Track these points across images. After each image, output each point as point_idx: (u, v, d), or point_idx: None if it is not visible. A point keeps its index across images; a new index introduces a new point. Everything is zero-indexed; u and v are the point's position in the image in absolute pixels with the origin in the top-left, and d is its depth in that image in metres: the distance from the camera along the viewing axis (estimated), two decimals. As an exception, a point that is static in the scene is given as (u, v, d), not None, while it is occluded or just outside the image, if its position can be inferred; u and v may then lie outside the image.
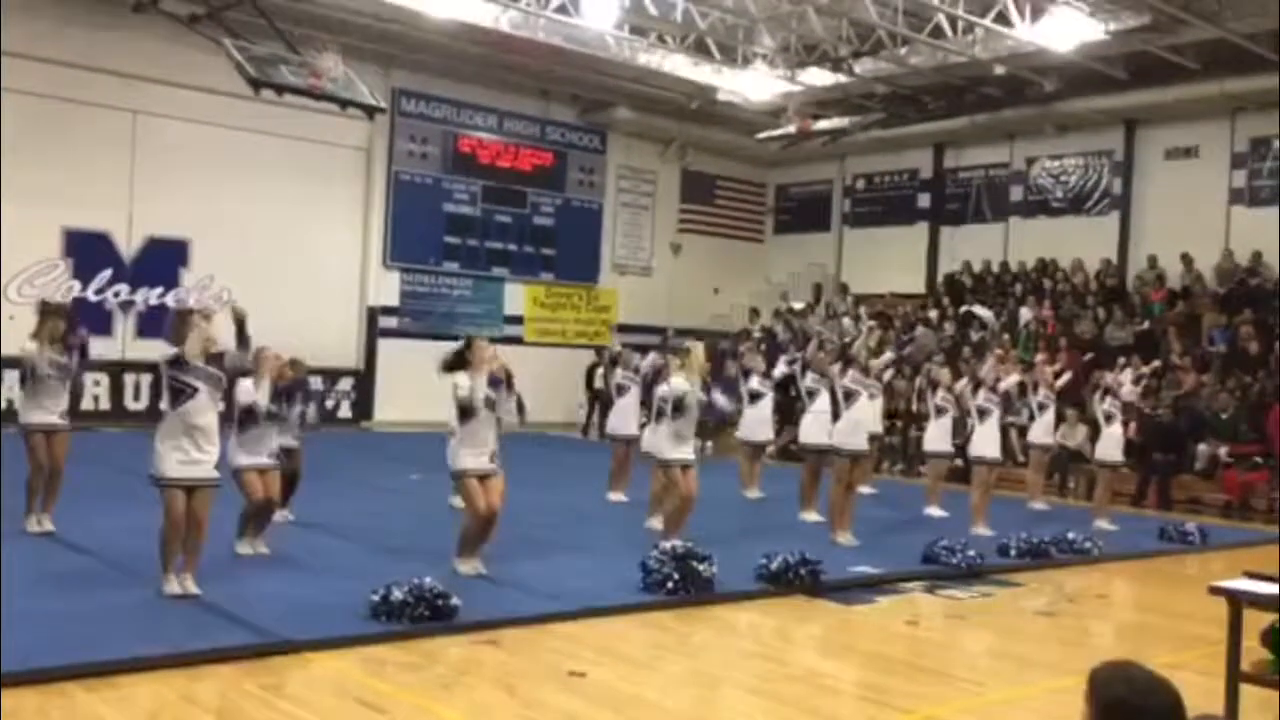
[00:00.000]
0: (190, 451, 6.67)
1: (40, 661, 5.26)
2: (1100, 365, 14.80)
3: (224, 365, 7.00)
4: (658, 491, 10.12)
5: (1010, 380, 12.23)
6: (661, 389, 9.35)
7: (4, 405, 15.37)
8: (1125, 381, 12.80)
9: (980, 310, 19.89)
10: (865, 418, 10.37)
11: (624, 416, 11.87)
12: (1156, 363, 15.06)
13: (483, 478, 7.73)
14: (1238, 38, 15.74)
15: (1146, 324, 17.87)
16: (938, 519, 11.67)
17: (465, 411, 7.68)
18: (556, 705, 5.31)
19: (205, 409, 6.75)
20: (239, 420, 7.91)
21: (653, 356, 12.53)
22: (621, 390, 11.95)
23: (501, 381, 7.79)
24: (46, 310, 8.92)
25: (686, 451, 9.01)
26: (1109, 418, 12.30)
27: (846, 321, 21.19)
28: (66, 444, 8.66)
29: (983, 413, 11.50)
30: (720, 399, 9.76)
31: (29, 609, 6.20)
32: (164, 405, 6.84)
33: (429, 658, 5.98)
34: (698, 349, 9.41)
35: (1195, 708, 2.51)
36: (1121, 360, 13.86)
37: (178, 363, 6.75)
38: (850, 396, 10.10)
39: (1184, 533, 11.50)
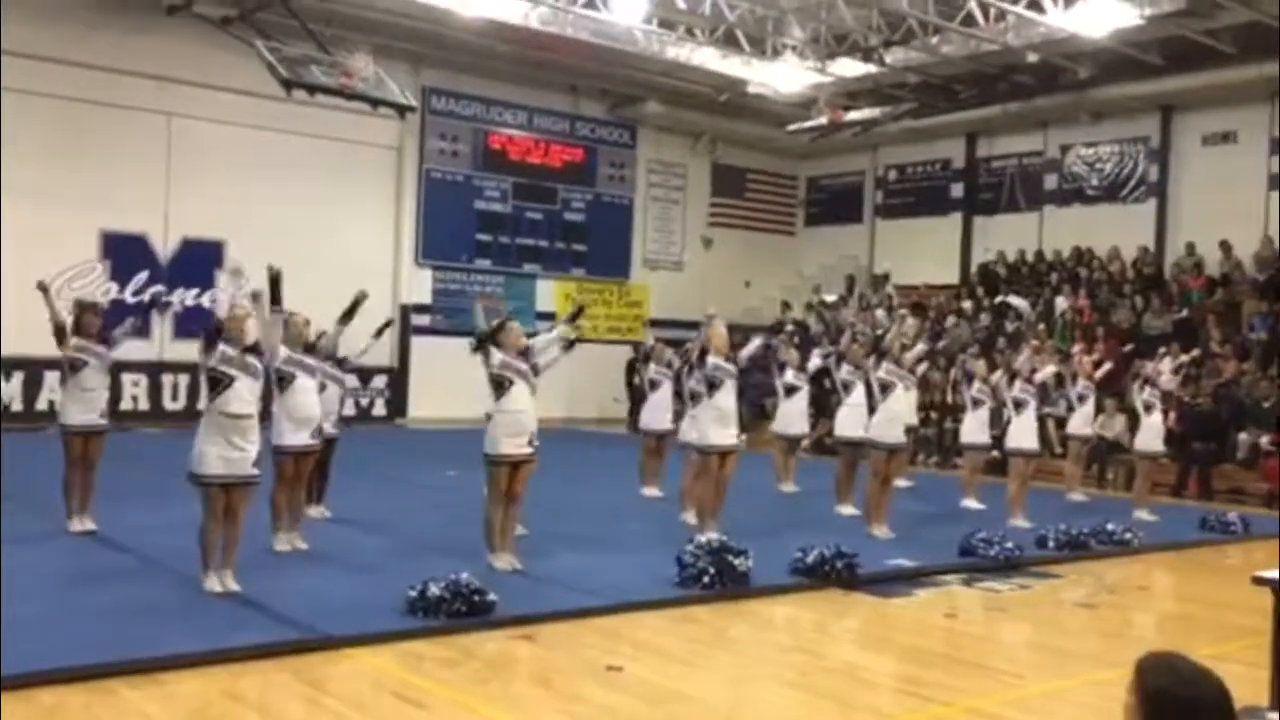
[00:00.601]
0: (228, 449, 6.71)
1: (85, 659, 5.32)
2: (1139, 355, 14.64)
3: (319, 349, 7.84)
4: (689, 485, 10.11)
5: (1046, 371, 12.13)
6: (694, 376, 9.38)
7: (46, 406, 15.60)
8: (1165, 370, 12.66)
9: (1016, 300, 19.72)
10: (901, 410, 10.31)
11: (656, 411, 11.87)
12: (1196, 351, 14.89)
13: (516, 465, 7.74)
14: (1275, 21, 15.49)
15: (1185, 312, 17.66)
16: (974, 511, 11.59)
17: (499, 385, 7.69)
18: (594, 699, 5.32)
19: (243, 400, 6.76)
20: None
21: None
22: (654, 385, 11.95)
23: (530, 348, 7.83)
24: (83, 308, 9.04)
25: (729, 436, 8.96)
26: (1148, 407, 12.17)
27: (880, 313, 21.07)
28: (104, 444, 8.76)
29: (1019, 404, 11.41)
30: (744, 353, 9.65)
31: (73, 607, 6.30)
32: (202, 403, 6.89)
33: (466, 653, 6.00)
34: (718, 324, 9.39)
35: (1240, 699, 2.48)
36: (1161, 350, 13.71)
37: (211, 346, 6.75)
38: (886, 389, 10.04)
39: (1226, 523, 11.36)
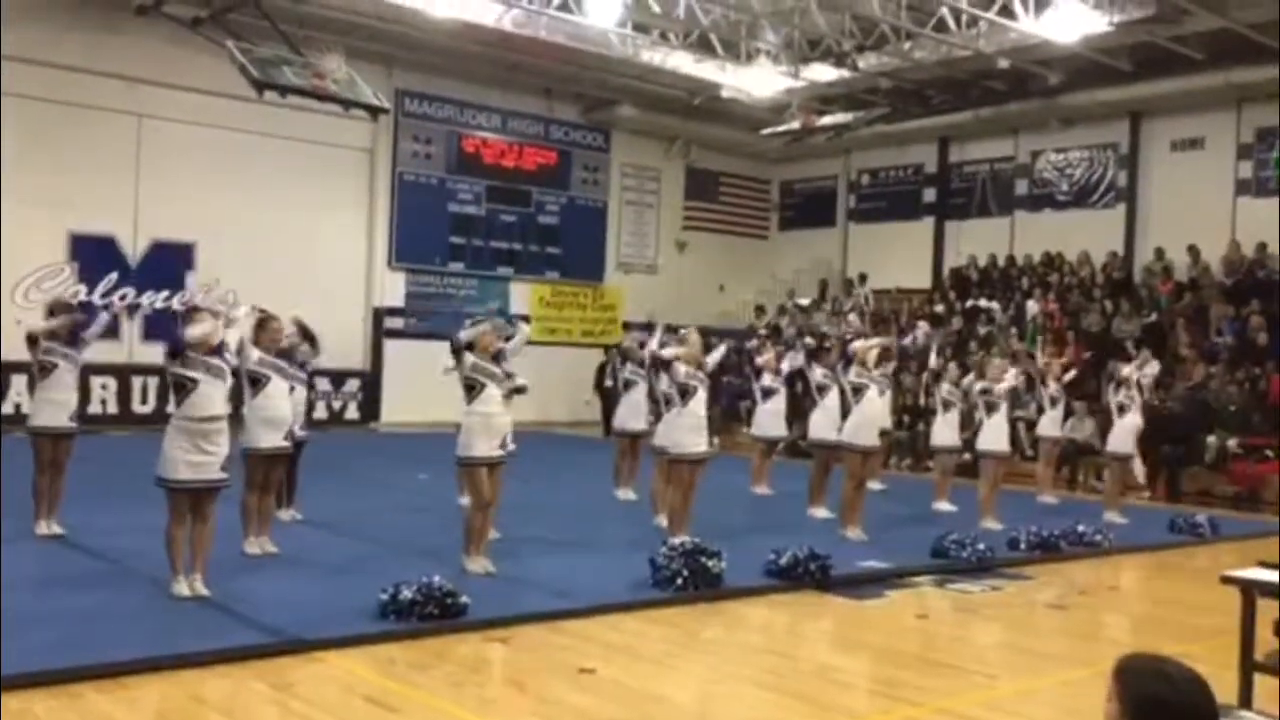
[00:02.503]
0: (195, 453, 6.64)
1: (51, 663, 5.26)
2: (1108, 358, 14.74)
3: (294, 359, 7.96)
4: (659, 488, 10.10)
5: (1005, 383, 11.90)
6: (664, 379, 9.35)
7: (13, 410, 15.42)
8: (1150, 373, 12.73)
9: (987, 303, 19.86)
10: (875, 413, 10.34)
11: (632, 411, 11.81)
12: (1157, 366, 14.63)
13: (491, 466, 7.72)
14: (1242, 28, 15.69)
15: (1154, 316, 17.82)
16: (947, 513, 11.64)
17: (470, 388, 7.68)
18: (567, 702, 5.30)
19: (211, 402, 6.68)
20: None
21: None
22: (629, 385, 11.91)
23: (502, 351, 7.81)
24: (57, 308, 8.95)
25: (701, 444, 8.94)
26: (1122, 409, 12.24)
27: (853, 317, 21.16)
28: (72, 447, 8.66)
29: (990, 407, 11.47)
30: (711, 358, 9.63)
31: (40, 611, 6.22)
32: (170, 406, 6.83)
33: (439, 656, 5.97)
34: (693, 333, 9.38)
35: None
36: (1145, 352, 13.70)
37: (176, 355, 6.71)
38: (859, 391, 10.07)
39: (1194, 524, 11.45)
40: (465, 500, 8.42)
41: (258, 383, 7.96)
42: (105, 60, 17.24)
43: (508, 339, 8.00)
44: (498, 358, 7.79)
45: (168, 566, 6.74)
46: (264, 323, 8.14)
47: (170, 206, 18.01)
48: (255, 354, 7.84)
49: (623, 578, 7.71)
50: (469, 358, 7.70)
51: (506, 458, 7.84)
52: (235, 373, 7.21)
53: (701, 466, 9.05)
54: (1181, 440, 14.93)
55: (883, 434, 11.95)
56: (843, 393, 10.34)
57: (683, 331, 9.65)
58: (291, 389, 8.37)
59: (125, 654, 5.48)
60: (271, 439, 8.00)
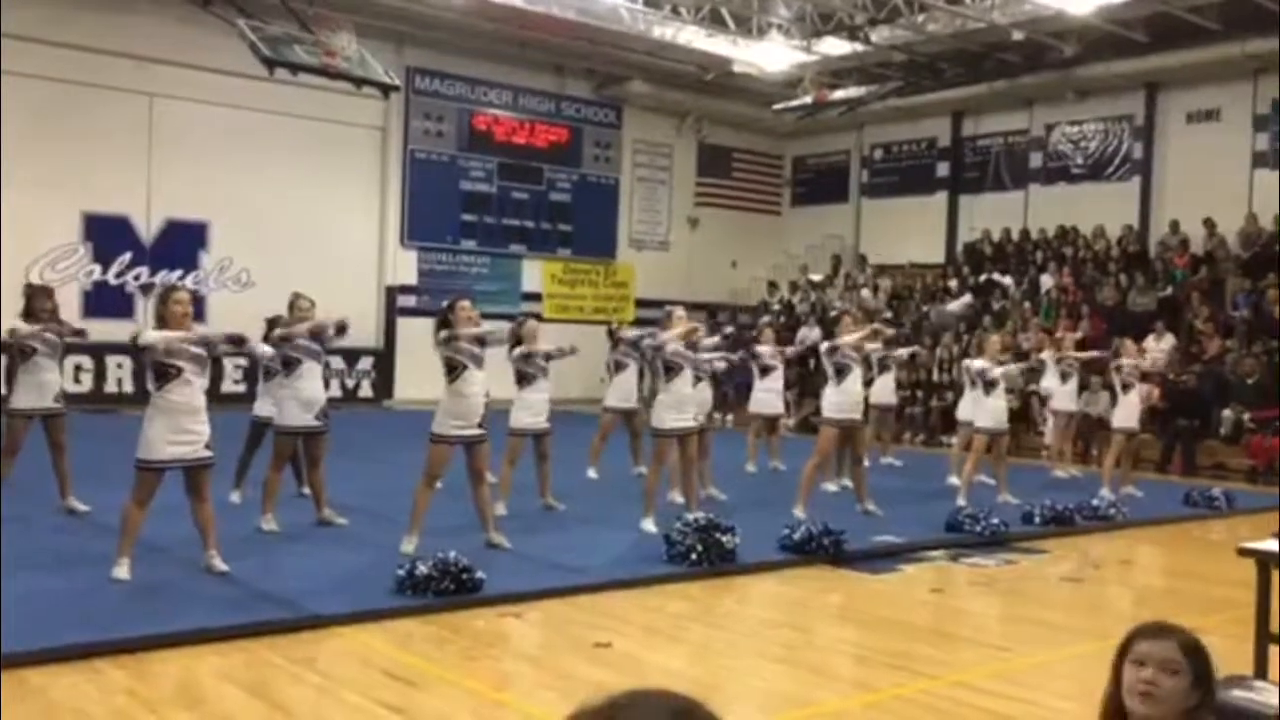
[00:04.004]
0: (178, 434, 6.52)
1: (71, 638, 5.31)
2: (1123, 332, 14.67)
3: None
4: (673, 463, 10.06)
5: (999, 369, 11.66)
6: (653, 343, 9.26)
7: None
8: (1165, 348, 12.61)
9: (1000, 277, 19.79)
10: (856, 390, 10.17)
11: (621, 391, 11.77)
12: (1171, 340, 14.34)
13: (469, 445, 7.65)
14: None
15: (1169, 290, 17.71)
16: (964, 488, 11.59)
17: (451, 368, 7.63)
18: (582, 676, 5.33)
19: (192, 389, 6.59)
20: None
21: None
22: (620, 367, 11.91)
23: (488, 341, 7.77)
24: (33, 291, 8.93)
25: (685, 419, 8.84)
26: (1126, 386, 12.15)
27: (865, 293, 21.11)
28: (63, 425, 8.63)
29: (989, 385, 11.33)
30: (705, 356, 9.53)
31: (58, 587, 6.28)
32: (150, 386, 6.63)
33: (455, 630, 6.01)
34: (678, 310, 9.30)
35: (1223, 670, 2.50)
36: (1159, 325, 13.58)
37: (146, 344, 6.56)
38: (841, 371, 9.90)
39: (1209, 498, 11.42)
40: (493, 478, 8.42)
41: (290, 364, 8.12)
42: (117, 40, 17.25)
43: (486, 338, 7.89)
44: (481, 340, 7.74)
45: (199, 543, 6.74)
46: (291, 305, 8.24)
47: (183, 186, 18.06)
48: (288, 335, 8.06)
49: (637, 553, 7.75)
50: (445, 334, 7.62)
51: (484, 436, 7.75)
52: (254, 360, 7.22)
53: (691, 440, 8.91)
54: (1197, 414, 14.88)
55: (886, 409, 12.68)
56: (867, 366, 10.35)
57: (668, 309, 9.58)
58: (326, 369, 8.55)
59: (144, 629, 5.54)
60: (304, 417, 8.15)
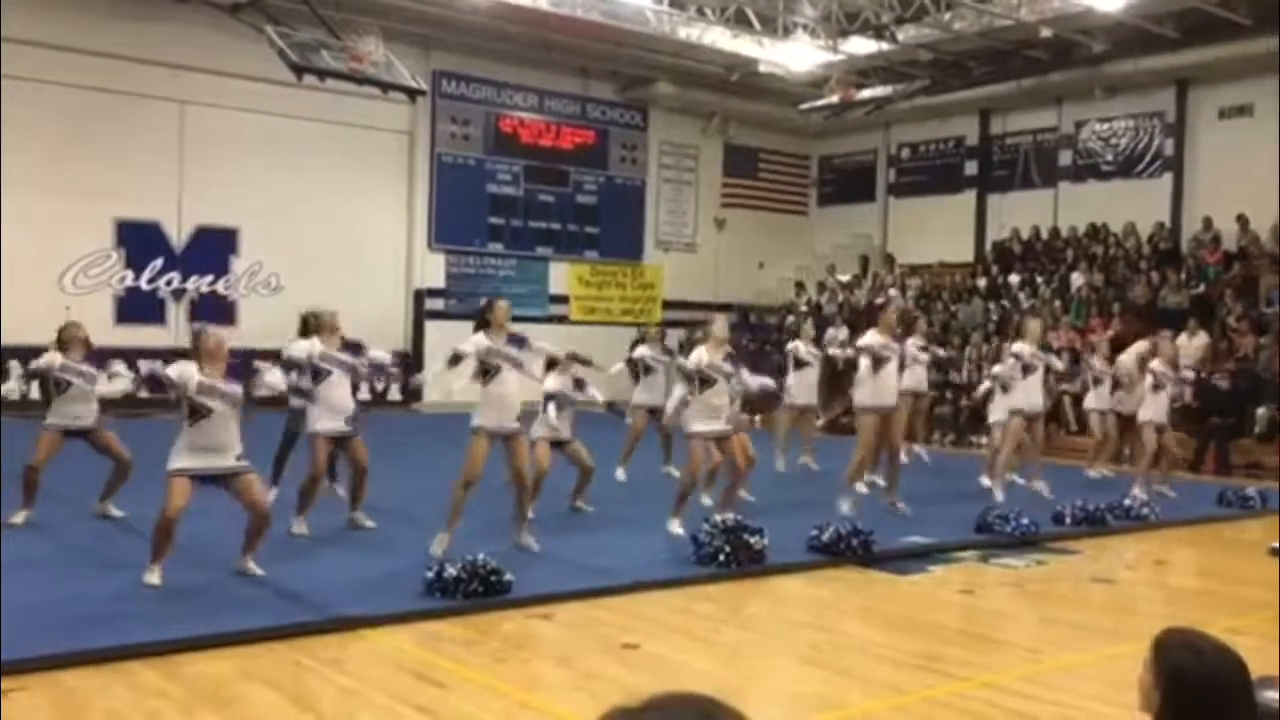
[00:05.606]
0: (206, 453, 6.57)
1: (103, 641, 5.37)
2: (1156, 329, 14.52)
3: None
4: (712, 467, 10.05)
5: (1009, 365, 11.63)
6: (685, 362, 9.24)
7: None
8: (1199, 346, 12.48)
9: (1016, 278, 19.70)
10: (891, 381, 10.18)
11: (649, 391, 11.83)
12: (1205, 338, 14.05)
13: (507, 438, 7.70)
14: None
15: (1202, 287, 17.54)
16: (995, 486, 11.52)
17: (485, 371, 7.70)
18: (611, 677, 5.33)
19: (223, 427, 6.61)
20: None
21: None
22: (649, 370, 11.94)
23: (524, 341, 7.86)
24: (68, 329, 8.88)
25: (714, 424, 8.77)
26: (1157, 386, 12.00)
27: (893, 293, 21.01)
28: (102, 437, 8.75)
29: (1026, 369, 11.27)
30: (750, 378, 9.56)
31: (92, 590, 6.34)
32: (181, 418, 6.64)
33: (484, 632, 6.03)
34: (718, 322, 9.30)
35: (1256, 672, 2.47)
36: (1191, 322, 13.43)
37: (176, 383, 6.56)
38: (880, 362, 9.97)
39: (1244, 497, 11.30)
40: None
41: (319, 375, 8.40)
42: (148, 48, 17.44)
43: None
44: (519, 342, 7.87)
45: (235, 548, 6.81)
46: (318, 318, 8.73)
47: (213, 192, 18.23)
48: (318, 348, 8.44)
49: (666, 554, 7.75)
50: (482, 341, 7.70)
51: (522, 430, 7.85)
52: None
53: (726, 443, 8.84)
54: (1231, 412, 14.71)
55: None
56: (902, 365, 10.43)
57: (706, 322, 9.64)
58: (357, 379, 8.96)
59: (176, 632, 5.58)
60: (333, 423, 8.39)
